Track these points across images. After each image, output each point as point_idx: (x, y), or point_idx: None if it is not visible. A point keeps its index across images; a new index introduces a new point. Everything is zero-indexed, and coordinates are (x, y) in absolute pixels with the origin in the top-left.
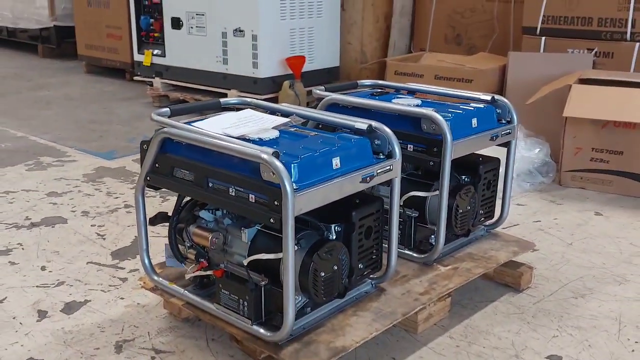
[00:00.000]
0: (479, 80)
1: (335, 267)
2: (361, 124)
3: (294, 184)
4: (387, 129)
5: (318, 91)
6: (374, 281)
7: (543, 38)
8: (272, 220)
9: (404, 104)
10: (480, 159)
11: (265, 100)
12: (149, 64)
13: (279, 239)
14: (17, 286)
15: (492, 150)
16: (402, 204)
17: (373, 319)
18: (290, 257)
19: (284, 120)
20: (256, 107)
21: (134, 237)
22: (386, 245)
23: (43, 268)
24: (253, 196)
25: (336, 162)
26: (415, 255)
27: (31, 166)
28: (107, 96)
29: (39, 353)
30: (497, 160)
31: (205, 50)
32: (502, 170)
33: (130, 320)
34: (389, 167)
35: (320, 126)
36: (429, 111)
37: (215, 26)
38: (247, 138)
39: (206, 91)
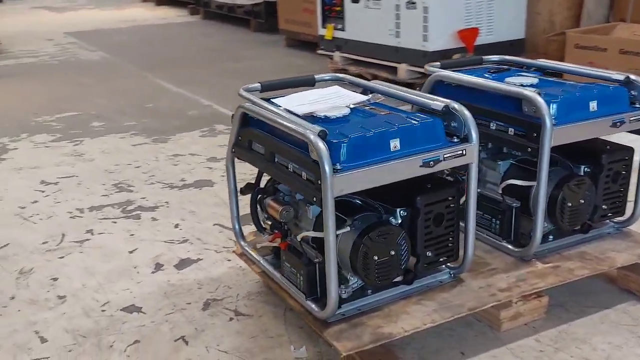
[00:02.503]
0: None
1: (393, 252)
2: (438, 103)
3: (339, 165)
4: (466, 111)
5: (429, 67)
6: (454, 271)
7: None
8: (314, 199)
9: (515, 83)
10: (608, 147)
11: None
12: (330, 38)
13: (338, 217)
14: (149, 239)
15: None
16: (501, 192)
17: (435, 309)
18: (331, 236)
19: (364, 98)
20: (349, 84)
21: None
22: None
23: (176, 225)
24: (304, 174)
25: (395, 143)
26: (511, 248)
27: (205, 132)
28: (294, 69)
29: (140, 300)
30: (630, 149)
31: (379, 24)
32: None
33: (227, 281)
34: (460, 152)
35: None
36: (528, 91)
37: None
38: (315, 115)
39: (380, 65)
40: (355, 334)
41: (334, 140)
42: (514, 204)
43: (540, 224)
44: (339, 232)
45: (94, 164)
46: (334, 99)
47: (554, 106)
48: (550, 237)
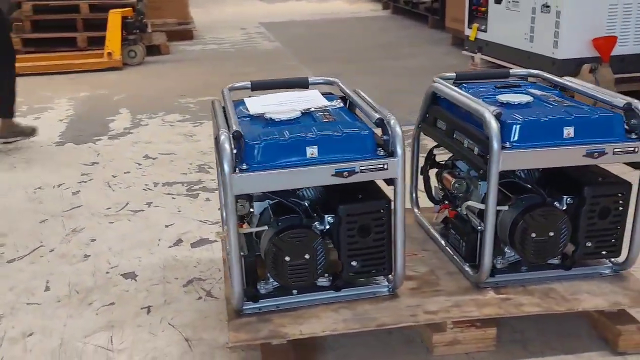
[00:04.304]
0: None
1: (307, 256)
2: (374, 115)
3: (246, 164)
4: (397, 127)
5: (437, 77)
6: (391, 286)
7: None
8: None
9: (503, 101)
10: (600, 179)
11: None
12: (473, 39)
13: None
14: (189, 217)
15: None
16: (465, 212)
17: (346, 318)
18: (232, 234)
19: (326, 103)
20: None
21: None
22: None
23: None
24: None
25: (312, 150)
26: (470, 273)
27: None
28: (442, 69)
29: (140, 270)
30: (625, 184)
31: (516, 27)
32: None
33: (221, 264)
34: (381, 166)
35: None
36: (484, 110)
37: (528, 1)
38: (265, 117)
39: None
40: (256, 329)
41: (250, 142)
42: (480, 227)
43: (489, 251)
44: (244, 231)
45: (195, 145)
46: (298, 103)
47: (515, 128)
48: (523, 267)
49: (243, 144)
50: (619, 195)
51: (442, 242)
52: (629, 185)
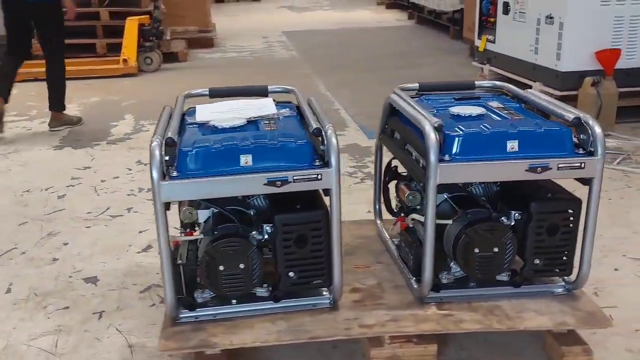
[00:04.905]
0: None
1: (242, 266)
2: (313, 125)
3: (176, 172)
4: (333, 138)
5: (398, 87)
6: (332, 298)
7: None
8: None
9: (454, 113)
10: (549, 195)
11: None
12: (482, 50)
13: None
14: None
15: None
16: (411, 225)
17: (280, 330)
18: (162, 241)
19: (274, 111)
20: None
21: None
22: None
23: None
24: None
25: (246, 159)
26: (414, 287)
27: None
28: (454, 79)
29: (103, 275)
30: (575, 201)
31: (522, 38)
32: None
33: None
34: (315, 176)
35: None
36: (425, 122)
37: (534, 12)
38: (210, 124)
39: (520, 82)
40: (187, 337)
41: (182, 149)
42: None
43: (429, 265)
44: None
45: None
46: (245, 111)
47: (456, 140)
48: (472, 284)
49: (177, 151)
50: (568, 212)
51: (396, 255)
52: (578, 201)
